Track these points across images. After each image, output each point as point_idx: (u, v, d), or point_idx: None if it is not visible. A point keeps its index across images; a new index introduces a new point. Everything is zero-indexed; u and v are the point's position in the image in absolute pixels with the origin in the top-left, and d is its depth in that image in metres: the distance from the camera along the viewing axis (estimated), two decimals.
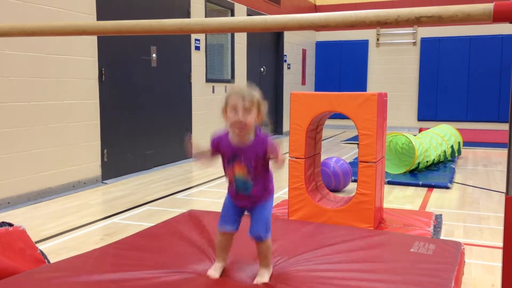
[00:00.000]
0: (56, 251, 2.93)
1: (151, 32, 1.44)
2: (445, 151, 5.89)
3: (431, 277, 1.88)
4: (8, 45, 3.89)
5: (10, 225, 2.24)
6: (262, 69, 9.02)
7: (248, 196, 1.87)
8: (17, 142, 4.03)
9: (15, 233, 2.18)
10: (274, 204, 4.00)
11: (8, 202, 3.96)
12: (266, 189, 1.89)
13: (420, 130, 8.16)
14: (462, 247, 2.31)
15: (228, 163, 1.86)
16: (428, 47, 10.30)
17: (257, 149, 1.81)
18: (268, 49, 9.34)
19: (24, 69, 4.06)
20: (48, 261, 2.27)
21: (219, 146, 1.86)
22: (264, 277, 1.85)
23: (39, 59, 4.20)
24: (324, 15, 1.20)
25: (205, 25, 1.37)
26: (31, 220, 3.62)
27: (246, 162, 1.81)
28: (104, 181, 4.99)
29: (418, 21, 1.04)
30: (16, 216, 3.69)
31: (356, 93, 3.20)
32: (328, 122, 3.80)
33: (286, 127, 9.72)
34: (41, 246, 2.83)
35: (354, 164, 5.22)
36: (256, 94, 1.79)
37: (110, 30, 1.48)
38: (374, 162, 3.16)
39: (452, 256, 2.15)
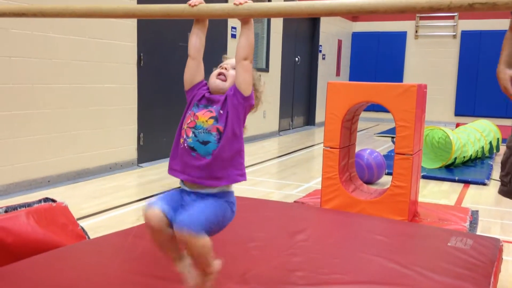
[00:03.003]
0: (94, 229, 3.02)
1: (198, 16, 1.45)
2: (483, 147, 5.74)
3: (470, 271, 1.85)
4: (52, 28, 4.00)
5: (53, 201, 2.32)
6: (296, 58, 8.97)
7: (205, 161, 1.44)
8: (57, 123, 4.15)
9: (58, 208, 2.26)
10: (305, 194, 4.03)
11: (49, 181, 4.09)
12: (234, 166, 1.47)
13: (457, 125, 7.97)
14: (501, 244, 2.27)
15: (192, 109, 1.52)
16: (469, 40, 10.02)
17: (231, 97, 1.48)
18: (303, 39, 9.28)
19: (66, 52, 4.17)
20: (88, 237, 2.34)
21: (195, 88, 1.55)
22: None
23: (81, 43, 4.30)
24: (373, 0, 1.18)
25: (252, 10, 1.38)
26: (70, 199, 3.72)
27: (215, 109, 1.48)
28: (139, 165, 5.09)
29: (471, 7, 1.02)
30: (56, 195, 3.81)
31: (395, 84, 3.15)
32: (362, 114, 3.76)
33: (318, 118, 9.66)
34: (80, 224, 2.92)
35: (388, 157, 5.16)
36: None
37: (159, 13, 1.51)
38: (411, 155, 3.12)
39: (490, 251, 2.11)
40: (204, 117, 1.47)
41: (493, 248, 2.17)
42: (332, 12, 1.24)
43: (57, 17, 1.59)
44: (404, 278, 1.78)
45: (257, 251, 1.99)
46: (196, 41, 1.52)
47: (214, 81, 1.54)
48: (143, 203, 3.71)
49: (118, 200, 3.76)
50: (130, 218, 3.32)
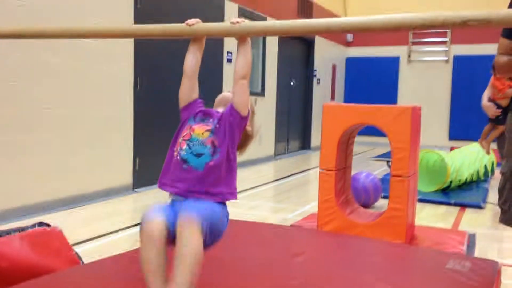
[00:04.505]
0: (88, 254, 2.97)
1: (196, 34, 1.47)
2: (478, 171, 5.76)
3: None
4: (49, 53, 4.03)
5: (48, 225, 2.29)
6: (292, 83, 9.05)
7: (196, 174, 1.41)
8: (53, 147, 4.14)
9: (53, 233, 2.23)
10: (301, 217, 4.00)
11: (43, 207, 4.05)
12: (225, 183, 1.45)
13: (452, 149, 8.01)
14: (499, 266, 2.25)
15: (188, 123, 1.52)
16: (461, 65, 10.15)
17: (228, 115, 1.49)
18: (298, 63, 9.38)
19: (63, 77, 4.19)
20: (83, 262, 2.31)
21: (189, 106, 1.55)
22: None
23: (79, 67, 4.32)
24: (368, 18, 1.20)
25: (248, 28, 1.40)
26: (65, 224, 3.64)
27: (212, 122, 1.49)
28: (135, 189, 5.06)
29: (465, 24, 1.04)
30: (51, 220, 3.72)
31: (389, 106, 3.18)
32: (357, 138, 3.77)
33: (314, 142, 9.69)
34: (75, 249, 2.87)
35: (383, 181, 5.15)
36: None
37: (158, 33, 1.53)
38: (407, 177, 3.12)
39: (488, 274, 2.10)
40: (200, 129, 1.48)
41: (492, 270, 2.15)
42: (328, 30, 1.26)
43: (56, 38, 1.61)
44: None
45: (255, 272, 1.96)
46: (193, 60, 1.54)
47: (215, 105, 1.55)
48: (137, 228, 3.67)
49: (113, 225, 3.72)
50: (125, 243, 3.28)
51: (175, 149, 1.50)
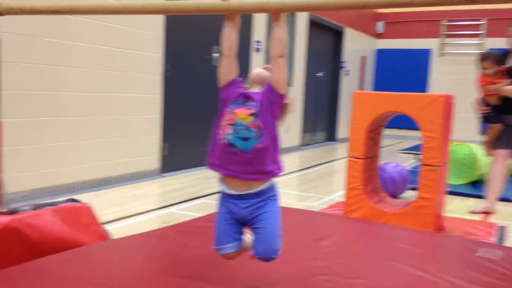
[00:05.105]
0: (116, 234, 3.02)
1: (229, 10, 1.46)
2: (509, 165, 5.60)
3: (501, 280, 1.79)
4: (80, 37, 4.09)
5: (78, 202, 2.34)
6: (320, 74, 8.97)
7: (245, 157, 1.47)
8: (83, 130, 4.21)
9: (83, 209, 2.28)
10: (327, 206, 3.97)
11: (73, 187, 4.14)
12: (273, 160, 1.51)
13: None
14: None
15: (230, 106, 1.52)
16: None
17: (267, 94, 1.51)
18: (327, 54, 9.29)
19: (93, 61, 4.25)
20: (111, 239, 2.35)
21: (230, 85, 1.55)
22: None
23: (108, 52, 4.38)
24: None
25: (281, 3, 1.39)
26: (93, 205, 3.76)
27: (254, 105, 1.50)
28: (162, 174, 5.12)
29: None
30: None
31: (421, 94, 3.12)
32: (384, 132, 3.70)
33: (341, 134, 9.61)
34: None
35: (411, 173, 5.07)
36: None
37: (191, 9, 1.53)
38: (438, 166, 3.06)
39: None
40: (243, 113, 1.50)
41: None
42: (365, 6, 1.24)
43: (90, 14, 1.63)
44: (432, 285, 1.73)
45: (281, 255, 1.96)
46: (229, 38, 1.54)
47: (252, 82, 1.58)
48: (166, 211, 3.72)
49: (140, 207, 3.78)
50: (152, 224, 3.32)
51: (220, 132, 1.51)
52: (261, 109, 1.49)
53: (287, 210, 2.89)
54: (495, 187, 3.87)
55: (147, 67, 4.82)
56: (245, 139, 1.46)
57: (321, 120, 9.29)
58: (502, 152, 3.78)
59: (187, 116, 5.50)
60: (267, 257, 1.51)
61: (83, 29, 4.07)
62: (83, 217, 2.24)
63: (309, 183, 5.28)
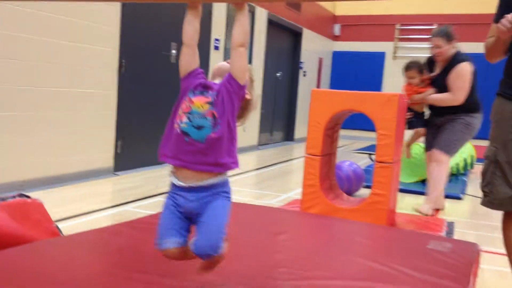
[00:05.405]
0: (68, 232, 2.93)
1: (190, 0, 1.44)
2: (458, 164, 5.84)
3: (450, 270, 1.86)
4: (34, 30, 3.94)
5: (28, 197, 2.25)
6: (278, 74, 9.04)
7: (198, 147, 1.42)
8: (34, 126, 4.06)
9: (33, 205, 2.19)
10: (283, 203, 4.01)
11: (21, 185, 3.98)
12: (228, 153, 1.46)
13: None
14: (479, 248, 2.29)
15: (188, 95, 1.49)
16: None
17: (226, 84, 1.48)
18: (285, 55, 9.37)
19: (47, 55, 4.10)
20: (63, 235, 2.27)
21: (190, 75, 1.52)
22: None
23: (63, 46, 4.24)
24: None
25: None
26: (44, 203, 3.63)
27: (211, 94, 1.46)
28: (115, 172, 5.00)
29: None
30: None
31: (377, 93, 3.20)
32: (339, 132, 3.75)
33: (298, 134, 9.72)
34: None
35: (366, 171, 5.19)
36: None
37: None
38: (391, 163, 3.14)
39: (469, 254, 2.13)
40: (200, 102, 1.45)
41: (472, 251, 2.19)
42: None
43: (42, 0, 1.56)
44: (386, 275, 1.77)
45: (239, 249, 1.96)
46: (191, 28, 1.52)
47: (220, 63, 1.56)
48: (120, 209, 3.64)
49: (93, 205, 3.68)
50: (105, 223, 3.23)
51: (175, 121, 1.47)
52: (218, 98, 1.45)
53: (244, 206, 2.89)
54: (436, 186, 3.98)
55: (101, 62, 4.70)
56: (199, 127, 1.42)
57: (279, 120, 9.37)
58: (436, 151, 3.90)
59: (143, 113, 5.40)
60: (204, 253, 1.38)
61: (36, 21, 3.92)
62: (34, 213, 2.16)
63: (266, 181, 5.31)
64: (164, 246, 1.44)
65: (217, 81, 1.53)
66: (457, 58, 3.84)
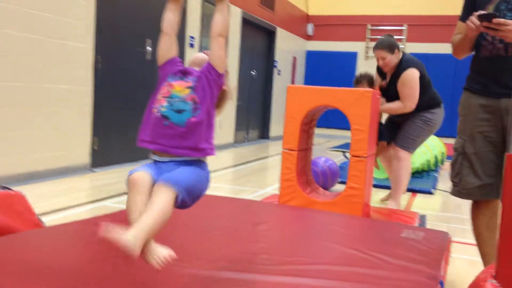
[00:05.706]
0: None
1: None
2: (429, 160, 6.02)
3: (423, 256, 1.96)
4: (8, 25, 3.90)
5: (10, 189, 2.25)
6: (253, 73, 9.11)
7: (178, 130, 1.43)
8: (8, 122, 4.02)
9: (16, 197, 2.19)
10: (262, 198, 4.08)
11: None
12: (206, 139, 1.48)
13: None
14: (449, 236, 2.41)
15: (167, 79, 1.50)
16: None
17: (205, 72, 1.51)
18: (260, 53, 9.45)
19: (21, 50, 4.06)
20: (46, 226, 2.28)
21: (168, 64, 1.54)
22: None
23: (37, 42, 4.21)
24: None
25: None
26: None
27: (192, 80, 1.49)
28: (92, 169, 4.98)
29: None
30: None
31: (351, 89, 3.30)
32: (314, 130, 3.81)
33: (273, 132, 9.81)
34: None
35: (341, 168, 5.31)
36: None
37: None
38: (365, 157, 3.25)
39: (440, 242, 2.24)
40: (180, 86, 1.47)
41: (443, 239, 2.30)
42: None
43: None
44: (363, 261, 1.86)
45: (221, 238, 2.01)
46: (171, 16, 1.56)
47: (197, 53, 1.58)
48: (100, 204, 3.64)
49: (72, 201, 3.67)
50: (85, 217, 3.24)
51: (154, 106, 1.48)
52: (199, 84, 1.47)
53: (223, 199, 2.95)
54: (398, 182, 4.02)
55: (76, 57, 4.67)
56: (180, 111, 1.43)
57: (254, 118, 9.44)
58: (396, 148, 3.98)
59: (119, 109, 5.39)
60: (166, 181, 1.34)
61: (8, 16, 3.87)
62: (16, 205, 2.16)
63: (244, 177, 5.37)
64: (132, 172, 1.43)
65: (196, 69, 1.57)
66: (402, 66, 3.88)
